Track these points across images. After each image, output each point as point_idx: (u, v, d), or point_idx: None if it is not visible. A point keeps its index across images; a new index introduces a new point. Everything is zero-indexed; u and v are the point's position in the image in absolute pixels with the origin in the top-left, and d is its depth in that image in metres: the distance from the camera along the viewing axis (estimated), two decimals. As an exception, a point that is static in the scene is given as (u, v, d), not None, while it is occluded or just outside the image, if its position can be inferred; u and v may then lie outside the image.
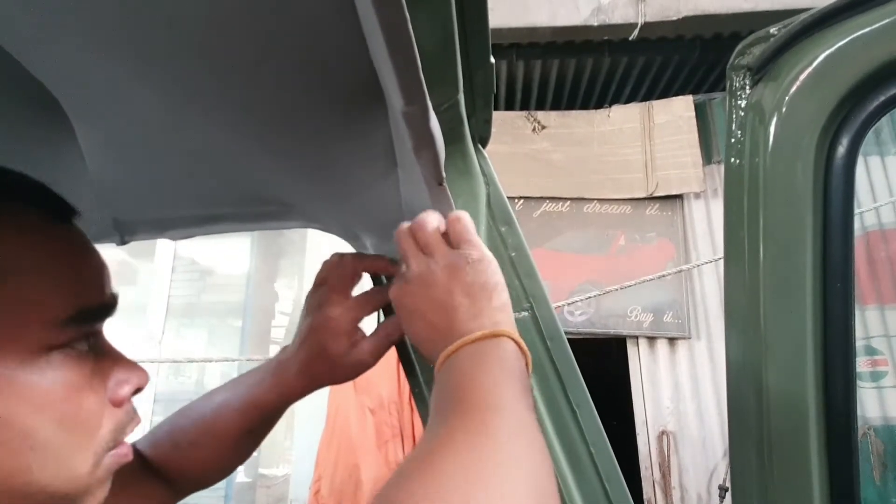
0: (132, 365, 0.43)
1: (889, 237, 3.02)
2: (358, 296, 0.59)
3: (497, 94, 3.50)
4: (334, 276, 0.59)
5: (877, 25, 0.45)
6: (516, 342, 0.44)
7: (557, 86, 3.54)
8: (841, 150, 0.46)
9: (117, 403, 0.41)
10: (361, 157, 0.54)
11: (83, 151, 0.56)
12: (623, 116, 3.47)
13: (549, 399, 0.63)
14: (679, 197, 3.37)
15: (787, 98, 0.47)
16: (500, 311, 0.46)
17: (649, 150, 3.38)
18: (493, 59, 0.54)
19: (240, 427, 0.60)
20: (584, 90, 3.57)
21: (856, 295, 0.48)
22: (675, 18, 2.86)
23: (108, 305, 0.42)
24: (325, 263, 0.60)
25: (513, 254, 0.65)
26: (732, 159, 0.51)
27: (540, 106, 3.72)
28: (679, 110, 3.37)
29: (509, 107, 3.64)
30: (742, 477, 0.53)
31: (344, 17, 0.35)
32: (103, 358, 0.42)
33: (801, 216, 0.47)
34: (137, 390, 0.43)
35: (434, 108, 0.39)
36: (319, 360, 0.57)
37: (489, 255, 0.49)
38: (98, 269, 0.42)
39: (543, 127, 3.51)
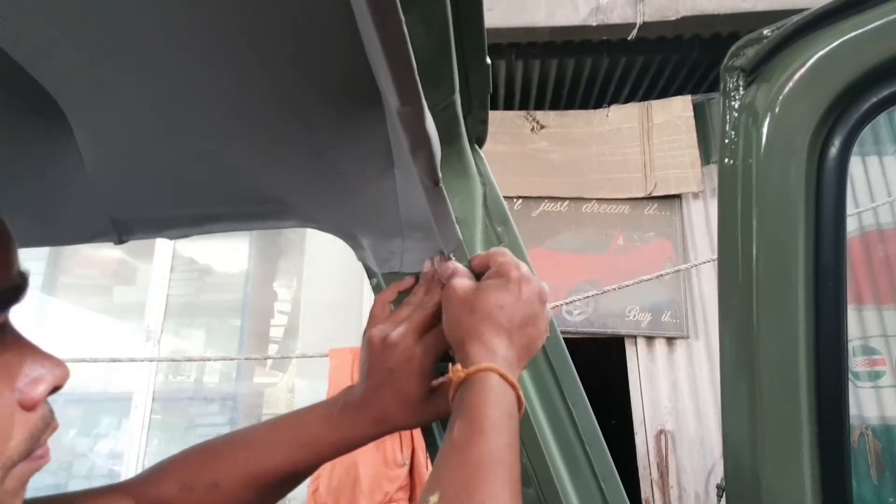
0: (48, 358, 0.36)
1: (887, 237, 3.03)
2: (433, 331, 0.56)
3: (495, 93, 3.51)
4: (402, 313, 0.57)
5: (869, 27, 0.45)
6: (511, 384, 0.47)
7: (556, 85, 3.54)
8: (833, 150, 0.46)
9: (29, 406, 0.34)
10: (359, 158, 0.54)
11: (81, 150, 0.56)
12: (621, 116, 3.47)
13: (544, 398, 0.64)
14: (677, 197, 3.37)
15: (779, 99, 0.47)
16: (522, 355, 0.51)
17: (648, 150, 3.39)
18: (488, 60, 0.54)
19: (285, 468, 0.55)
20: (582, 90, 3.57)
21: (854, 295, 0.49)
22: (673, 18, 2.86)
23: (13, 288, 0.35)
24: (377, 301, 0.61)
25: (509, 253, 0.65)
26: (726, 160, 0.51)
27: (539, 106, 3.72)
28: (677, 110, 3.37)
29: (508, 106, 3.64)
30: (736, 475, 0.53)
31: (340, 17, 0.35)
32: (10, 351, 0.35)
33: (793, 216, 0.47)
34: (55, 389, 0.36)
35: (430, 109, 0.39)
36: (400, 404, 0.54)
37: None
38: None
39: (542, 126, 3.51)
